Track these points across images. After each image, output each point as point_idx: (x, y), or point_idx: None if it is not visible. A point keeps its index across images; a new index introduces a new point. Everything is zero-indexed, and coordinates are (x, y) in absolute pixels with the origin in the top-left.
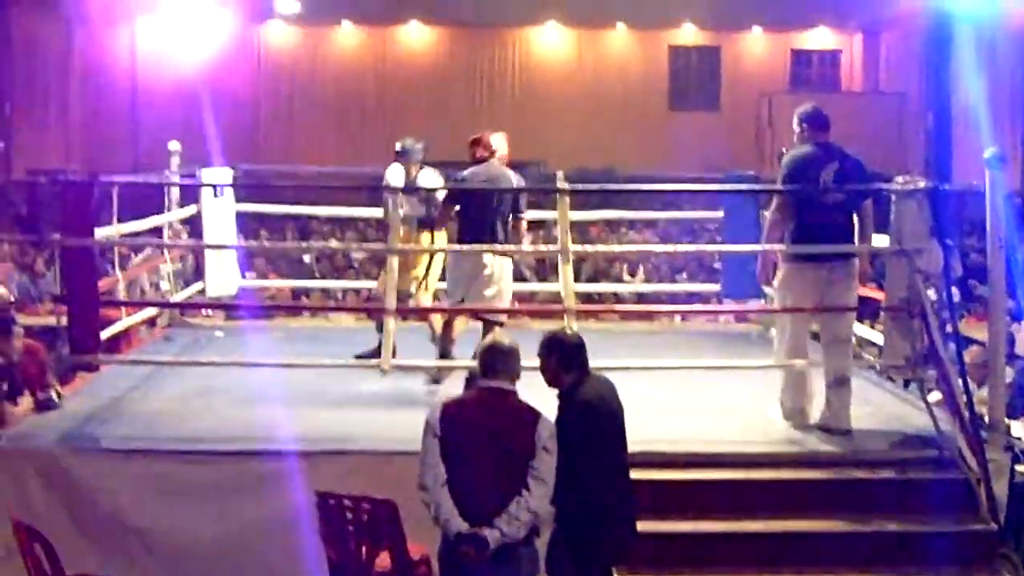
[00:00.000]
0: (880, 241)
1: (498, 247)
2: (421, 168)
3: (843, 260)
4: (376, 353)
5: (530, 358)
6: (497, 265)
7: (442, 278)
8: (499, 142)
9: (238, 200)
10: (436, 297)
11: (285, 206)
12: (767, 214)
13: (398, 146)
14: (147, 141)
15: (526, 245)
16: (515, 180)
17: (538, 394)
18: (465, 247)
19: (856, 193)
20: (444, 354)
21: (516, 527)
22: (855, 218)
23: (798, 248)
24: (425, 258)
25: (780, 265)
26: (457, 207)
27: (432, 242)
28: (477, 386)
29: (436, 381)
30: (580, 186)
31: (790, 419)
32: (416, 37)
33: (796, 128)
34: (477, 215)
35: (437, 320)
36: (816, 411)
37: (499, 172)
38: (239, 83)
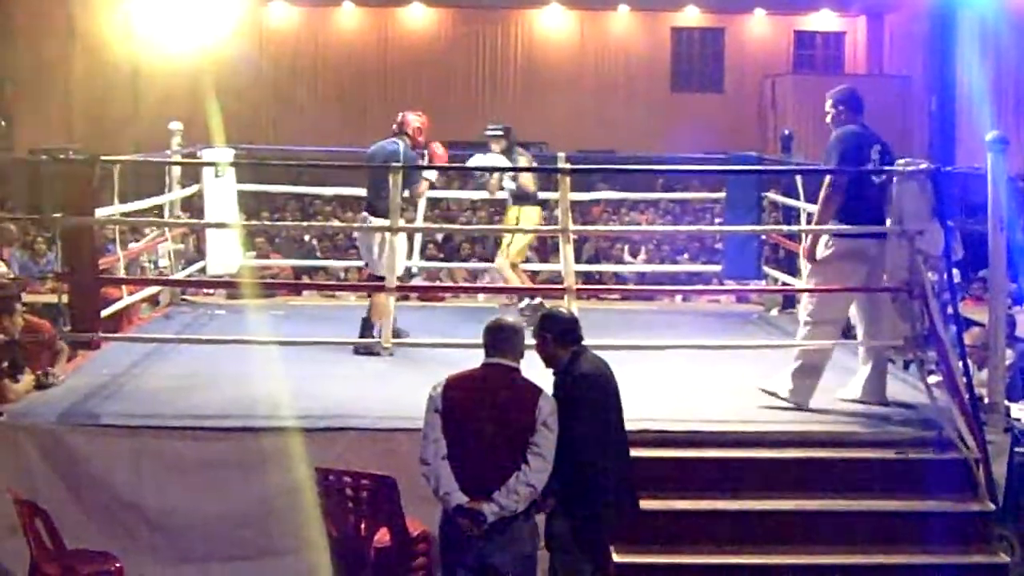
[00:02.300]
0: None
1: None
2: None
3: (884, 237)
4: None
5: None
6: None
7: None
8: (410, 117)
9: (239, 180)
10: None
11: (286, 186)
12: (770, 195)
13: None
14: (149, 121)
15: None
16: (400, 155)
17: (541, 375)
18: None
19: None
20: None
21: (514, 501)
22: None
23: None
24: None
25: (832, 242)
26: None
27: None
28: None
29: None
30: (581, 166)
31: (797, 397)
32: (418, 18)
33: (831, 110)
34: (367, 188)
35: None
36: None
37: (377, 148)
38: (241, 64)
